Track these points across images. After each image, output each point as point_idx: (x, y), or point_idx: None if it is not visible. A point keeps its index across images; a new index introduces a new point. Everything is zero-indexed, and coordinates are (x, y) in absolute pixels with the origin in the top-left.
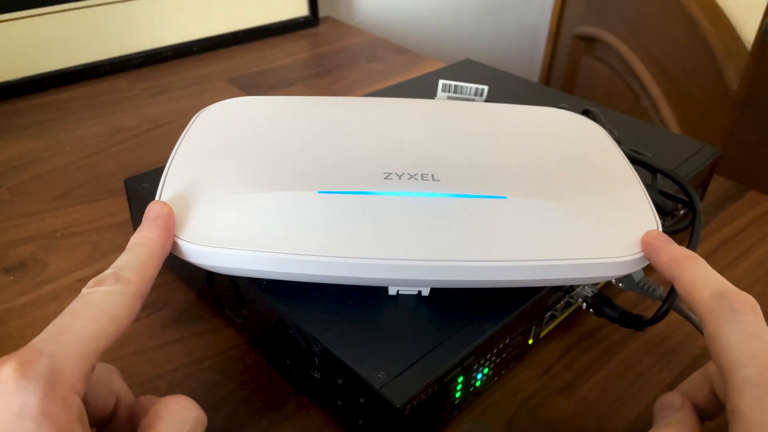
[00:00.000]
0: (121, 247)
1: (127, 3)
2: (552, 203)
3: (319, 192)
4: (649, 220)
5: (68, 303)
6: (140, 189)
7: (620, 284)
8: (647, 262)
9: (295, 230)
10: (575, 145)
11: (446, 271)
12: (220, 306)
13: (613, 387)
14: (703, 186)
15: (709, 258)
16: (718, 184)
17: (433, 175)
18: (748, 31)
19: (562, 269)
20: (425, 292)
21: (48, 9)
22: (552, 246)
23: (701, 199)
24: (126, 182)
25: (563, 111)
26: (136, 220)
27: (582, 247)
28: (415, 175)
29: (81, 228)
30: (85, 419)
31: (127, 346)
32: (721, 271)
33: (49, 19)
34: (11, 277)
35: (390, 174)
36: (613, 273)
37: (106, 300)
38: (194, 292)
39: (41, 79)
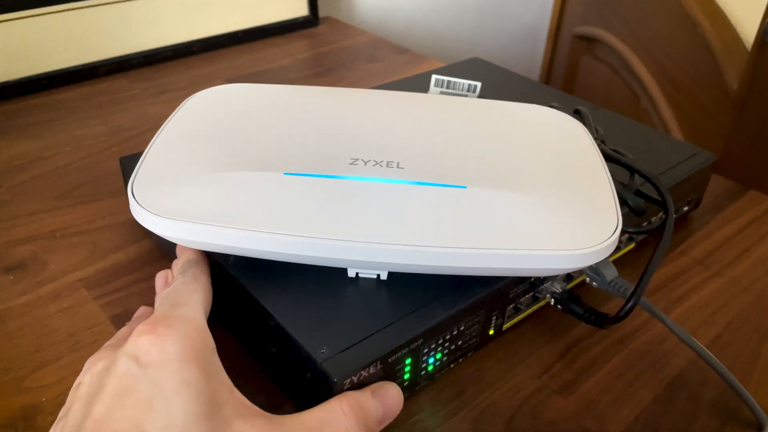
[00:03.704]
0: (121, 247)
1: (127, 3)
2: (511, 195)
3: (285, 174)
4: (611, 215)
5: (68, 303)
6: (134, 167)
7: (594, 283)
8: (601, 258)
9: (258, 208)
10: (550, 142)
11: (399, 255)
12: None
13: (613, 387)
14: (698, 191)
15: (709, 258)
16: (718, 184)
17: (398, 163)
18: (748, 31)
19: (510, 258)
20: (384, 275)
21: (48, 9)
22: (504, 236)
23: (697, 206)
24: (121, 160)
25: (546, 108)
26: None
27: (534, 238)
28: (381, 162)
29: (81, 228)
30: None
31: None
32: (721, 271)
33: (49, 19)
34: (11, 277)
35: (356, 160)
36: (561, 266)
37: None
38: None
39: (41, 79)
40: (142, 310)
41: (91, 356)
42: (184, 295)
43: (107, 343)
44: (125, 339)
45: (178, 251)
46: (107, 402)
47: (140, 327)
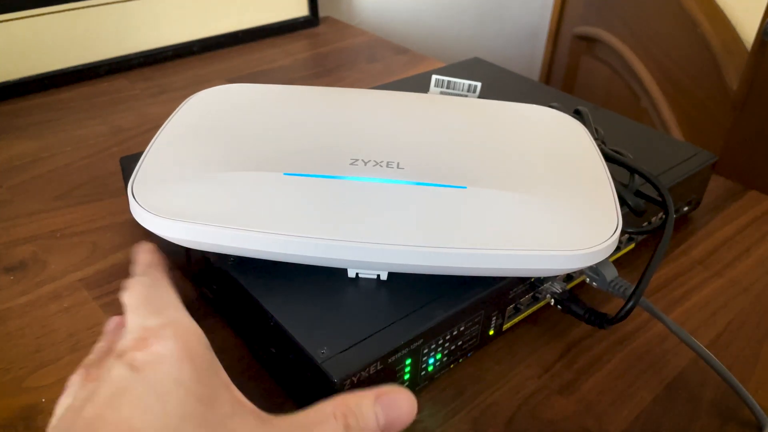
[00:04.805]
0: (121, 247)
1: (127, 3)
2: (511, 195)
3: (284, 174)
4: (611, 215)
5: (68, 303)
6: (135, 167)
7: (594, 283)
8: (601, 258)
9: (258, 208)
10: (550, 142)
11: (399, 255)
12: (197, 285)
13: (613, 387)
14: (698, 191)
15: (709, 258)
16: (718, 184)
17: (398, 163)
18: (748, 31)
19: (510, 259)
20: (384, 276)
21: (48, 9)
22: (504, 236)
23: (697, 205)
24: (121, 160)
25: (547, 108)
26: None
27: (534, 238)
28: (381, 162)
29: (81, 228)
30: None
31: None
32: (721, 271)
33: (49, 19)
34: (11, 277)
35: (357, 160)
36: (561, 266)
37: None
38: (196, 292)
39: (41, 79)
40: (114, 321)
41: (72, 375)
42: (162, 297)
43: (86, 361)
44: (105, 353)
45: (133, 254)
46: (100, 404)
47: (131, 336)
